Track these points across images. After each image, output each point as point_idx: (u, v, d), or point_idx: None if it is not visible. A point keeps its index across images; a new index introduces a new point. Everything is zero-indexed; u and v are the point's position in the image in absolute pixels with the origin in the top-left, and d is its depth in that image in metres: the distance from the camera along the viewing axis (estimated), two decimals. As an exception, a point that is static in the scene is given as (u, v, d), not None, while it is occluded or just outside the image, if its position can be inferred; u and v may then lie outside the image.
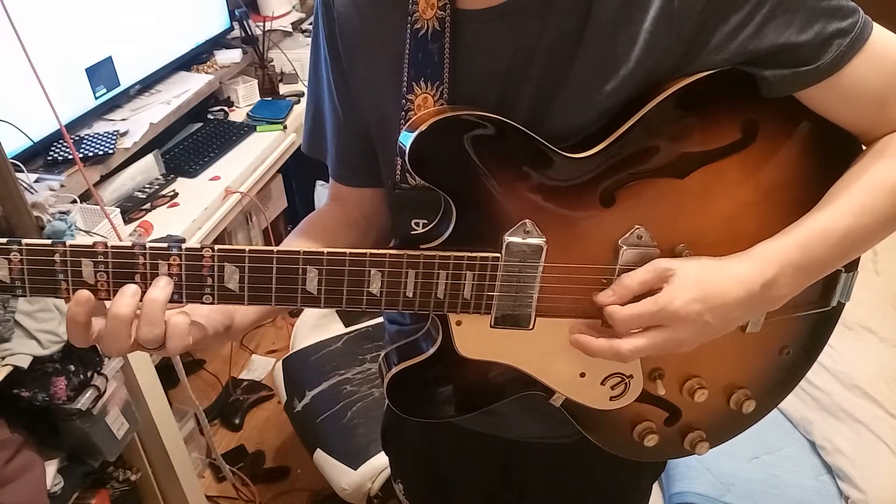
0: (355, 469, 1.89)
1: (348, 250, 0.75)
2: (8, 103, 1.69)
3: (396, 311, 0.79)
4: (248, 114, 2.49)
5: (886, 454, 1.80)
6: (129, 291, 0.72)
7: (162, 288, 0.72)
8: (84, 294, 0.70)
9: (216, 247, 0.73)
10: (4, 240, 0.69)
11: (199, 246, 0.73)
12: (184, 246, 0.72)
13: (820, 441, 1.89)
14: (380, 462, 1.87)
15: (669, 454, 0.99)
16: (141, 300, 0.72)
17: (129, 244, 0.71)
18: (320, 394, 2.12)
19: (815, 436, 1.90)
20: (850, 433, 1.86)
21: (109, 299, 0.72)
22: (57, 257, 0.70)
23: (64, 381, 1.50)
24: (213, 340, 0.80)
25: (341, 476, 1.90)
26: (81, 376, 1.54)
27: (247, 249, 0.73)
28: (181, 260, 0.72)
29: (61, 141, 1.81)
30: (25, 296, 0.72)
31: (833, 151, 0.84)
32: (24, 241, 0.69)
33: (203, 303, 0.75)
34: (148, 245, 0.72)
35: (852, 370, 1.94)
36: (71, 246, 0.70)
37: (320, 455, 1.98)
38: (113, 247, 0.71)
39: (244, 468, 2.40)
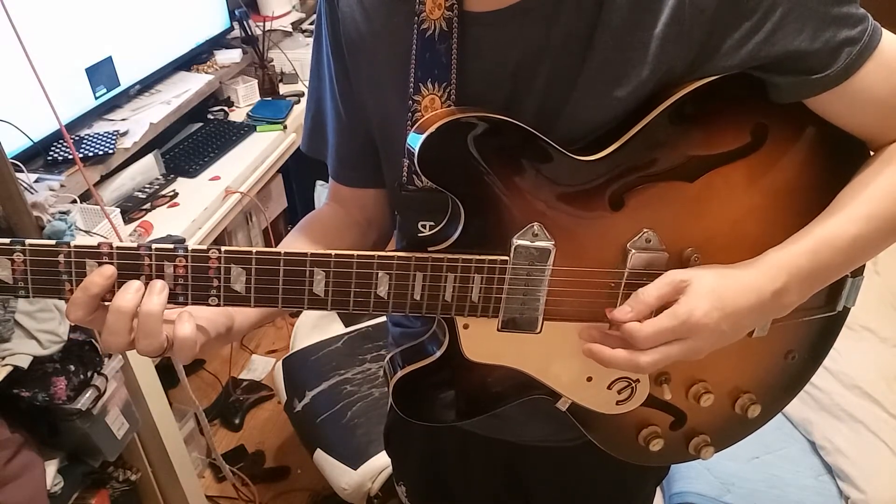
0: (355, 469, 1.89)
1: (356, 252, 0.75)
2: (8, 103, 1.68)
3: (403, 314, 0.78)
4: (248, 114, 2.48)
5: (886, 454, 1.80)
6: (133, 287, 0.71)
7: (157, 294, 0.71)
8: (109, 269, 0.70)
9: (223, 248, 0.72)
10: (7, 240, 0.69)
11: (205, 247, 0.72)
12: (190, 247, 0.71)
13: (820, 441, 1.89)
14: (380, 462, 1.87)
15: (674, 458, 0.99)
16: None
17: (135, 245, 0.71)
18: (320, 394, 2.12)
19: (815, 436, 1.90)
20: (850, 433, 1.85)
21: None
22: (61, 258, 0.70)
23: (64, 381, 1.50)
24: (215, 342, 0.80)
25: (341, 476, 1.91)
26: (81, 376, 1.53)
27: (254, 251, 0.72)
28: (187, 261, 0.72)
29: (61, 141, 1.80)
30: (28, 297, 0.71)
31: (841, 157, 0.83)
32: (28, 241, 0.69)
33: (209, 304, 0.74)
34: (154, 246, 0.71)
35: (852, 370, 1.94)
36: (75, 247, 0.70)
37: (320, 455, 1.98)
38: (118, 248, 0.70)
39: (244, 468, 2.39)
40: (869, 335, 2.08)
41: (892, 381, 1.96)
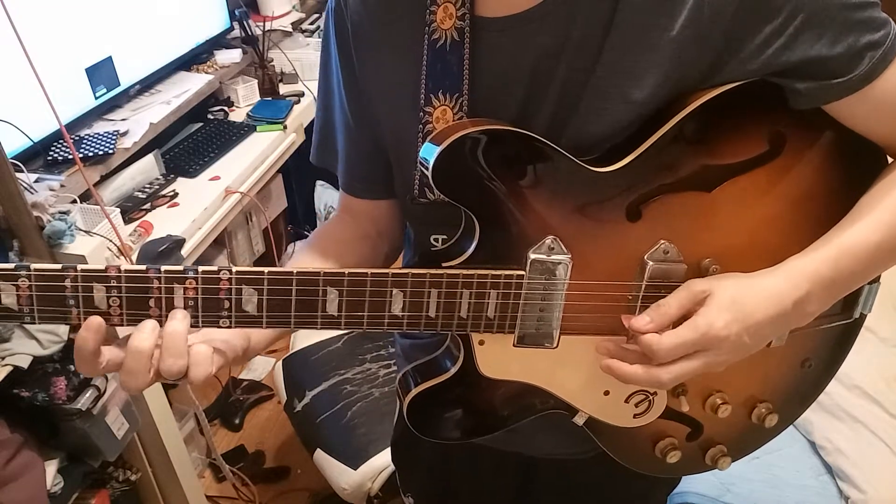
0: (355, 469, 1.89)
1: (370, 270, 0.73)
2: (8, 103, 1.66)
3: (418, 331, 0.77)
4: (248, 114, 2.46)
5: (886, 454, 1.80)
6: (148, 327, 0.69)
7: (180, 320, 0.70)
8: (96, 321, 0.68)
9: (233, 268, 0.70)
10: (12, 266, 0.66)
11: (216, 268, 0.70)
12: (200, 269, 0.69)
13: (820, 441, 1.88)
14: (380, 462, 1.87)
15: (691, 469, 0.98)
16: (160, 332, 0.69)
17: (144, 268, 0.68)
18: (320, 394, 2.12)
19: (815, 436, 1.89)
20: (850, 433, 1.85)
21: (122, 325, 0.70)
22: (67, 283, 0.67)
23: (64, 381, 1.50)
24: (233, 364, 0.78)
25: (341, 476, 1.91)
26: (81, 376, 1.53)
27: (265, 271, 0.71)
28: (197, 283, 0.70)
29: (61, 141, 1.79)
30: (34, 323, 0.68)
31: (859, 164, 0.82)
32: (33, 266, 0.67)
33: (220, 327, 0.72)
34: (163, 268, 0.69)
35: (852, 370, 1.94)
36: (82, 271, 0.67)
37: (320, 455, 1.98)
38: (126, 271, 0.68)
39: (244, 468, 2.39)
40: (869, 335, 2.07)
41: (892, 381, 1.95)
